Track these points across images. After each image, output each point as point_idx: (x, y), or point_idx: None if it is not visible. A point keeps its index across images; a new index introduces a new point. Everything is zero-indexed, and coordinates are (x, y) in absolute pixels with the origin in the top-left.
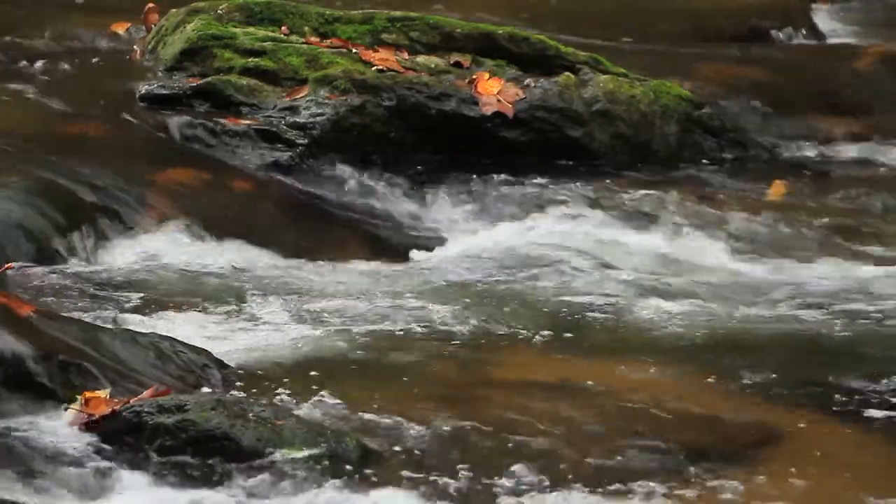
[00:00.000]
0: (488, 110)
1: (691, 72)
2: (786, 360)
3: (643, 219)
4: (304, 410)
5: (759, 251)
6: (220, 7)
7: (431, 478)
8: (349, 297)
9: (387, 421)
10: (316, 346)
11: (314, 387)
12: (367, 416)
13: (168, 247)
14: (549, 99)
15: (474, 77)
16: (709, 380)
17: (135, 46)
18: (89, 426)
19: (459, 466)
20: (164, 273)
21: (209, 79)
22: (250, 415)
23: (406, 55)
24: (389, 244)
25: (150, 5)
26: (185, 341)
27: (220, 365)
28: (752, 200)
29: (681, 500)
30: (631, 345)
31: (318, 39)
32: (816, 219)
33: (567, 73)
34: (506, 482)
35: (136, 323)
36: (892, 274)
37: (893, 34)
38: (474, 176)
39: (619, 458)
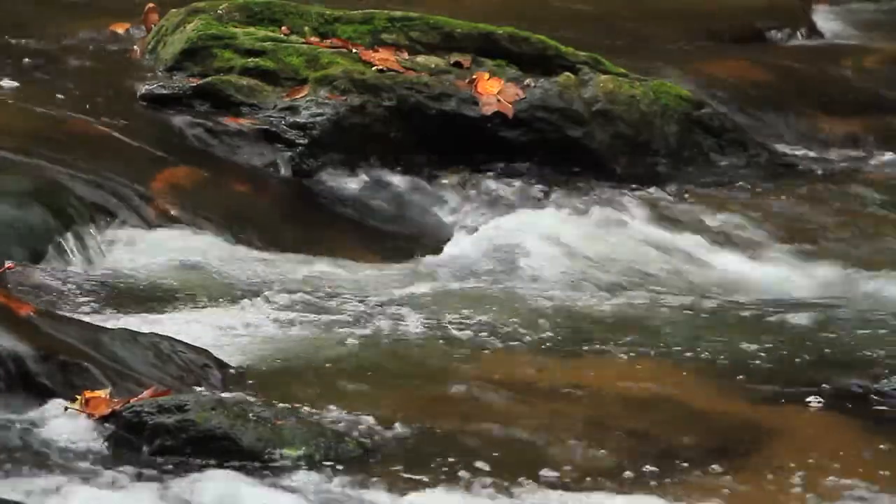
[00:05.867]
0: (488, 110)
1: (691, 72)
2: (785, 360)
3: (643, 218)
4: (304, 410)
5: (758, 251)
6: (220, 7)
7: (431, 477)
8: (349, 296)
9: (387, 421)
10: (316, 346)
11: (314, 387)
12: (367, 415)
13: (168, 246)
14: (549, 99)
15: (474, 77)
16: (707, 379)
17: (135, 46)
18: (89, 426)
19: (459, 466)
20: (164, 273)
21: (209, 79)
22: (250, 415)
23: (406, 55)
24: (389, 244)
25: (150, 5)
26: (185, 341)
27: (220, 365)
28: (752, 200)
29: (679, 499)
30: (629, 344)
31: (318, 39)
32: (815, 218)
33: (567, 73)
34: (504, 481)
35: (136, 322)
36: (891, 273)
37: (893, 34)
38: (474, 176)
39: (617, 457)
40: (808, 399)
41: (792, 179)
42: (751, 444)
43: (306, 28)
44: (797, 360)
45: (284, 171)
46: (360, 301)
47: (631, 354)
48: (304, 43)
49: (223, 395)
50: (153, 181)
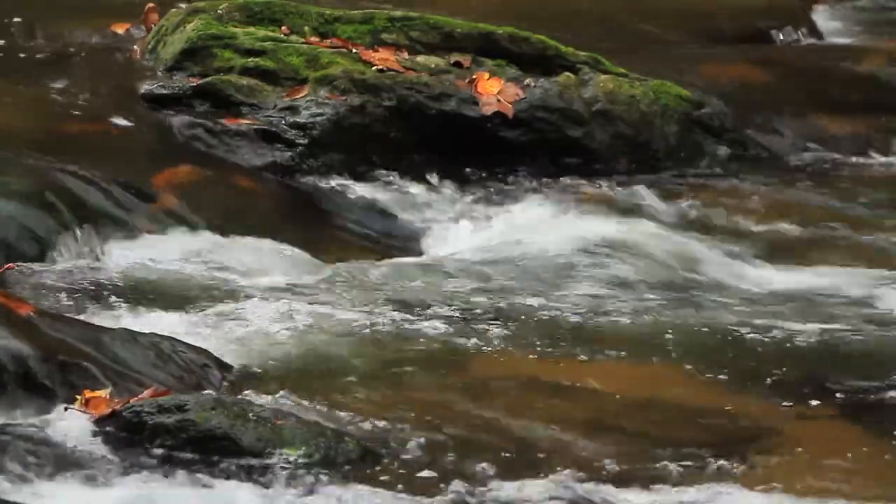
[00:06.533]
0: (488, 110)
1: (691, 72)
2: (785, 360)
3: (643, 219)
4: (304, 410)
5: (758, 251)
6: (220, 7)
7: (430, 478)
8: (349, 296)
9: (386, 421)
10: (316, 346)
11: (314, 387)
12: (367, 415)
13: (168, 246)
14: (549, 99)
15: (474, 77)
16: (707, 379)
17: (135, 46)
18: (89, 426)
19: (458, 467)
20: (164, 272)
21: (209, 79)
22: (250, 415)
23: (406, 55)
24: (389, 244)
25: (150, 5)
26: (185, 341)
27: (220, 365)
28: (752, 200)
29: (680, 499)
30: (629, 344)
31: (318, 39)
32: (815, 219)
33: (567, 73)
34: (504, 482)
35: (136, 323)
36: (891, 273)
37: (893, 34)
38: (474, 176)
39: (617, 457)
40: (809, 400)
41: (792, 179)
42: (752, 446)
43: (306, 28)
44: (799, 360)
45: (284, 171)
46: (360, 301)
47: (631, 354)
48: (304, 43)
49: (223, 395)
50: (153, 181)
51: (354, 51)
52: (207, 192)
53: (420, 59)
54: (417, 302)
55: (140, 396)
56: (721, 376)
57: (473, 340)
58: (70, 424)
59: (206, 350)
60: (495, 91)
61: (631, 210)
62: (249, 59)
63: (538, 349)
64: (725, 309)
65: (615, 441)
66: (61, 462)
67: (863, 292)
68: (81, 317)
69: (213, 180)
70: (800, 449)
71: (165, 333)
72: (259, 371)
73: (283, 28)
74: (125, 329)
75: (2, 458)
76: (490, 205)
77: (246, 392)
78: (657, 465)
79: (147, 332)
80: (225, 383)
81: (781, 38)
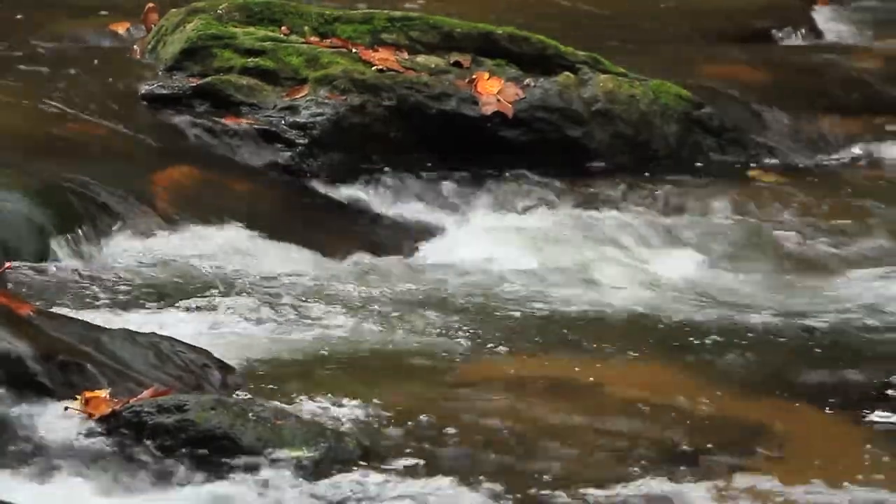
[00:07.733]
0: (488, 110)
1: (691, 72)
2: (785, 360)
3: (641, 219)
4: (304, 410)
5: (758, 251)
6: (220, 7)
7: (430, 478)
8: (348, 296)
9: (386, 420)
10: (315, 346)
11: (314, 387)
12: (367, 415)
13: (168, 246)
14: (548, 99)
15: (474, 77)
16: (707, 380)
17: (135, 46)
18: (89, 426)
19: (458, 467)
20: (164, 272)
21: (209, 78)
22: (250, 414)
23: (406, 55)
24: (388, 244)
25: (150, 5)
26: (185, 341)
27: (220, 364)
28: (752, 201)
29: (680, 499)
30: (628, 345)
31: (317, 39)
32: (815, 219)
33: (567, 73)
34: (503, 482)
35: (136, 323)
36: (891, 273)
37: (893, 34)
38: (474, 176)
39: (615, 457)
40: (809, 399)
41: (791, 179)
42: (754, 447)
43: (306, 28)
44: (799, 360)
45: (284, 170)
46: (360, 301)
47: (629, 355)
48: (303, 43)
49: (223, 394)
50: (153, 181)
51: (354, 51)
52: (207, 191)
53: (420, 58)
54: (418, 302)
55: (140, 396)
56: (721, 378)
57: (474, 341)
58: (69, 424)
59: (206, 350)
60: (495, 91)
61: (630, 210)
62: (249, 59)
63: (539, 350)
64: (724, 310)
65: (614, 441)
66: (61, 462)
67: (863, 292)
68: (81, 317)
69: (212, 180)
70: (802, 450)
71: (165, 333)
72: (259, 371)
73: (282, 28)
74: (125, 329)
75: (1, 458)
76: (489, 204)
77: (246, 392)
78: (656, 468)
79: (146, 332)
80: (224, 383)
81: (781, 38)
